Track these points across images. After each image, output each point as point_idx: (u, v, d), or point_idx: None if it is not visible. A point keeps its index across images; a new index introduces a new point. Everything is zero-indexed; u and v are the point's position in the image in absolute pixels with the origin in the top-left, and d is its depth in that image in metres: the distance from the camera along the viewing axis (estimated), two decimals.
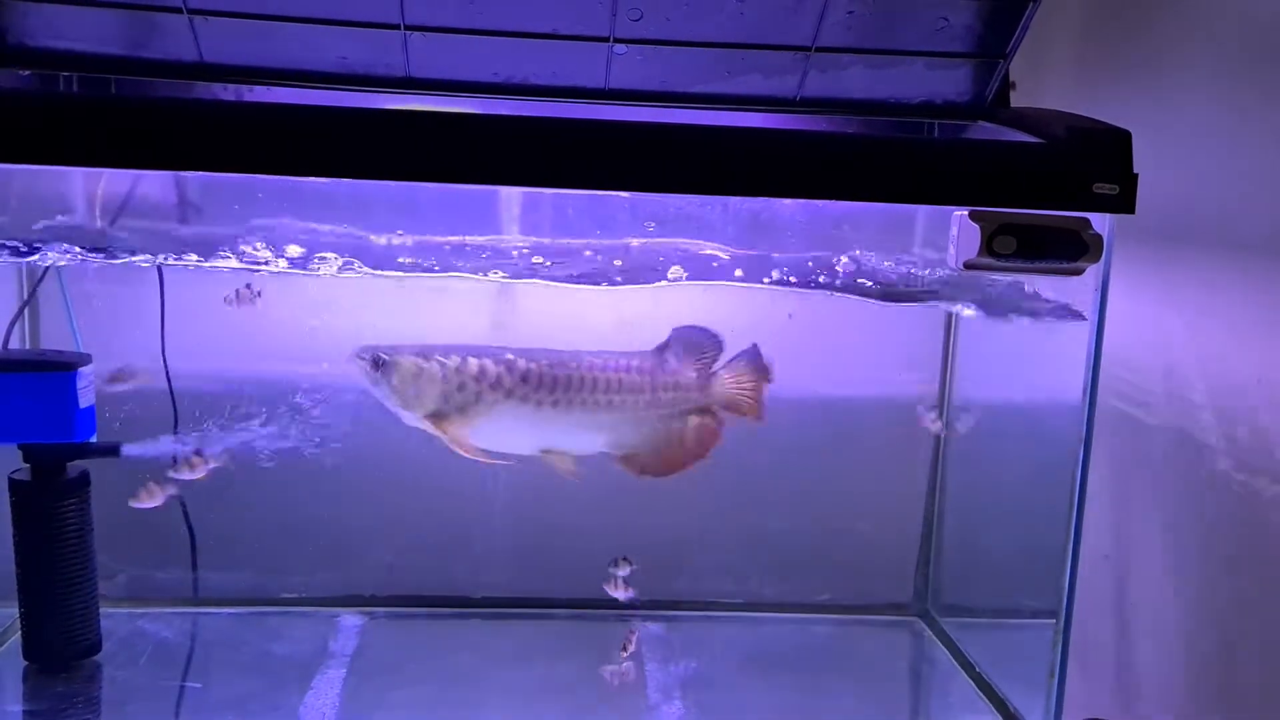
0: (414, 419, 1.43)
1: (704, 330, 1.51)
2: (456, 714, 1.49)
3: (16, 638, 1.52)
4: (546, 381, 1.42)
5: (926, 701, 1.69)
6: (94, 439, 1.46)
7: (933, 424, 1.74)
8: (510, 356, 1.42)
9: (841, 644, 1.79)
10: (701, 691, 1.55)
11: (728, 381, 1.51)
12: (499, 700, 1.55)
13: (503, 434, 1.44)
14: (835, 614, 1.82)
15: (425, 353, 1.42)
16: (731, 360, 1.52)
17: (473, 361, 1.41)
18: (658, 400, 1.47)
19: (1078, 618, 1.39)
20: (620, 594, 1.55)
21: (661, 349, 1.49)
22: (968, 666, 1.67)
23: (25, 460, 1.46)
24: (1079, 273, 1.25)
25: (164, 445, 1.56)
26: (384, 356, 1.41)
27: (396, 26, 1.31)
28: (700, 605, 1.81)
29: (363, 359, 1.43)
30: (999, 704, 1.55)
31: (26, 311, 1.59)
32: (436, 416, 1.41)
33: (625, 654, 1.51)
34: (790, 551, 1.82)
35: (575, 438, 1.46)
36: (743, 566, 1.81)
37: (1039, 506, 1.47)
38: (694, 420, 1.50)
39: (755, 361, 1.52)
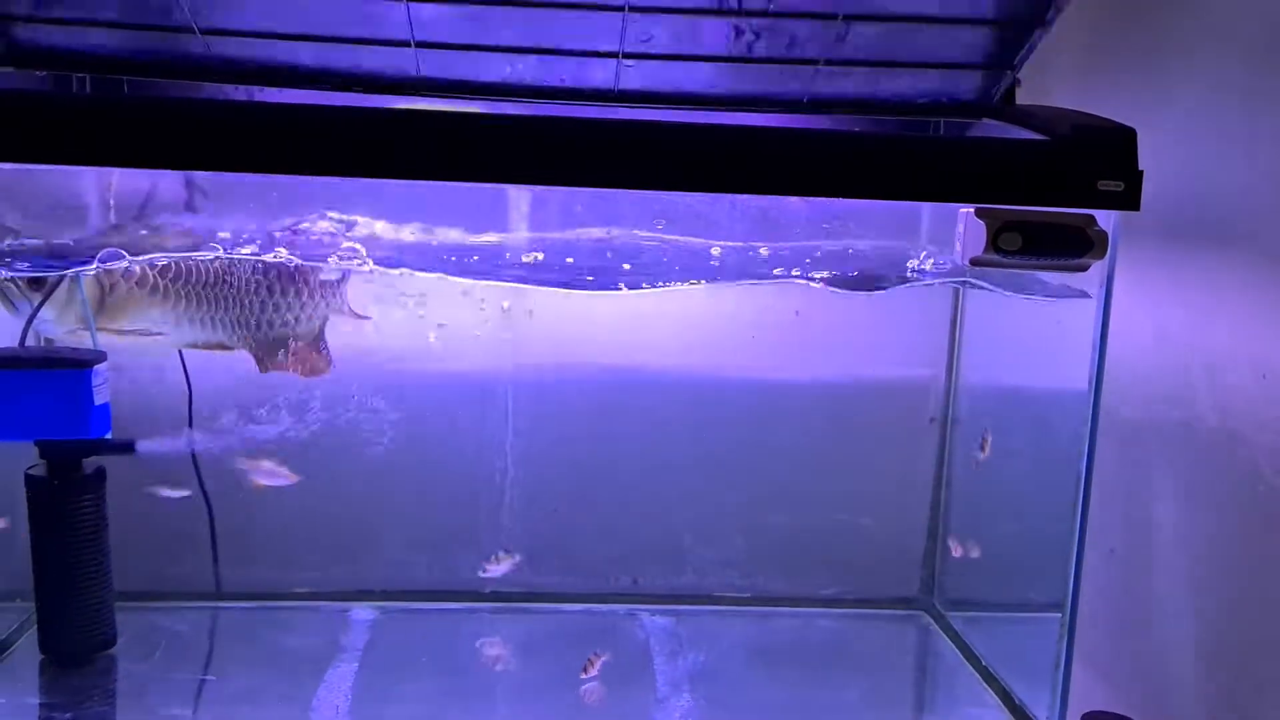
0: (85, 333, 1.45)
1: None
2: (467, 706, 1.51)
3: (33, 631, 1.54)
4: (181, 272, 1.45)
5: (932, 694, 1.71)
6: (109, 435, 1.48)
7: (956, 548, 1.74)
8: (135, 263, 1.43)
9: (847, 638, 1.80)
10: (709, 685, 1.56)
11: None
12: (508, 693, 1.57)
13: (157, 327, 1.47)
14: (841, 608, 1.84)
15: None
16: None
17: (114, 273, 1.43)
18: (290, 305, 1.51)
19: (1083, 611, 1.40)
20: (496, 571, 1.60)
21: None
22: (973, 660, 1.68)
23: (41, 456, 1.48)
24: (1084, 269, 1.26)
25: (178, 442, 1.58)
26: (36, 276, 1.41)
27: (407, 44, 1.32)
28: (707, 600, 1.83)
29: (14, 284, 1.41)
30: (1004, 697, 1.56)
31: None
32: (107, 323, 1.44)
33: (585, 675, 1.51)
34: (796, 546, 1.83)
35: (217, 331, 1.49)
36: (749, 561, 1.83)
37: (1044, 500, 1.48)
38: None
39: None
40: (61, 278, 1.42)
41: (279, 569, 1.75)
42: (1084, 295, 1.33)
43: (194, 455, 1.63)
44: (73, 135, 1.14)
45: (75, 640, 1.52)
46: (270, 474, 1.54)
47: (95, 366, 1.44)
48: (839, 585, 1.84)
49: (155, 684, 1.51)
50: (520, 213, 1.49)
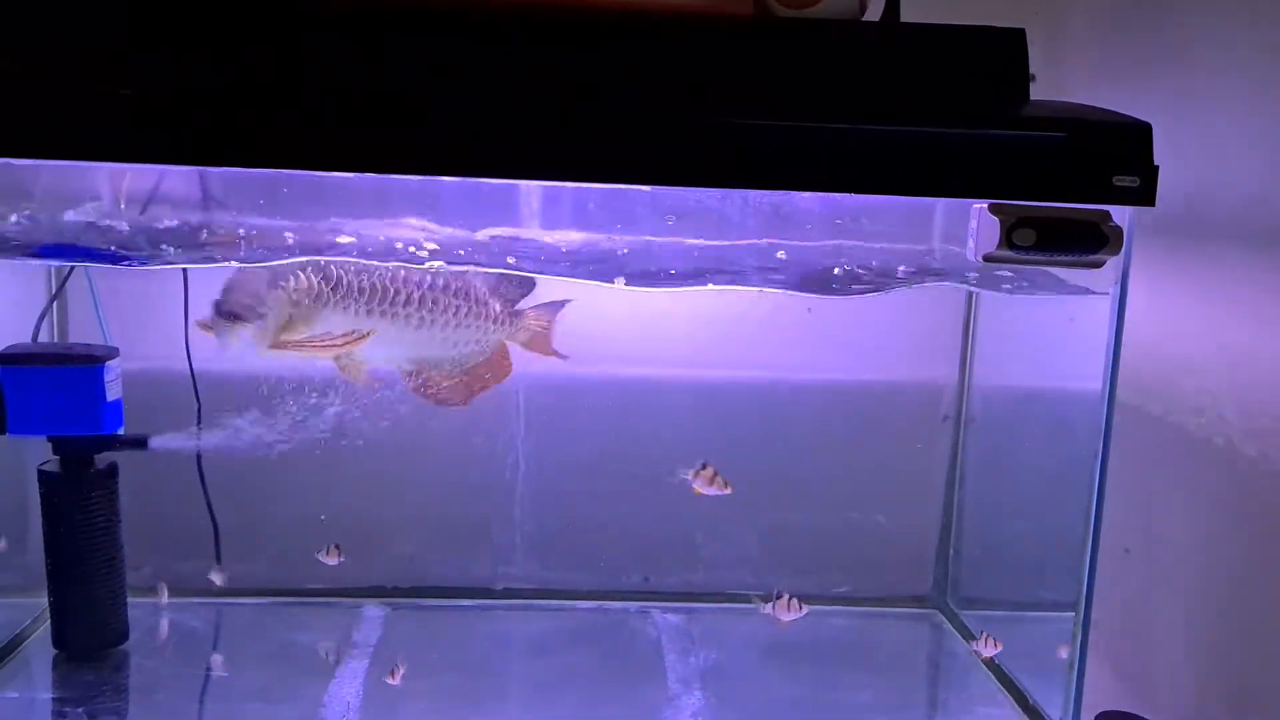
0: (265, 349, 1.41)
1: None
2: (478, 703, 1.51)
3: (46, 626, 1.55)
4: (355, 290, 1.41)
5: (945, 693, 1.70)
6: (121, 431, 1.48)
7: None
8: (323, 261, 1.40)
9: (860, 636, 1.79)
10: (721, 682, 1.56)
11: (531, 322, 1.56)
12: (520, 690, 1.57)
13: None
14: (853, 606, 1.83)
15: (264, 285, 1.39)
16: (538, 306, 1.56)
17: (303, 277, 1.40)
18: (464, 324, 1.48)
19: (1097, 611, 1.39)
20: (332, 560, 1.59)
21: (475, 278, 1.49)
22: (987, 659, 1.67)
23: (54, 452, 1.48)
24: (1099, 265, 1.25)
25: (189, 438, 1.58)
26: (235, 311, 1.38)
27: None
28: (719, 597, 1.82)
29: (222, 318, 1.39)
30: (1018, 696, 1.55)
31: (54, 305, 1.61)
32: (285, 337, 1.40)
33: (391, 681, 1.48)
34: (809, 544, 1.82)
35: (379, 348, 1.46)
36: (761, 559, 1.82)
37: (1059, 499, 1.47)
38: (489, 353, 1.53)
39: (556, 310, 1.58)
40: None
41: (290, 565, 1.75)
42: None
43: (198, 455, 1.63)
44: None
45: (88, 635, 1.52)
46: (707, 485, 1.53)
47: (107, 362, 1.45)
48: (852, 583, 1.83)
49: (167, 679, 1.52)
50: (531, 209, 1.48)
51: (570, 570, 1.80)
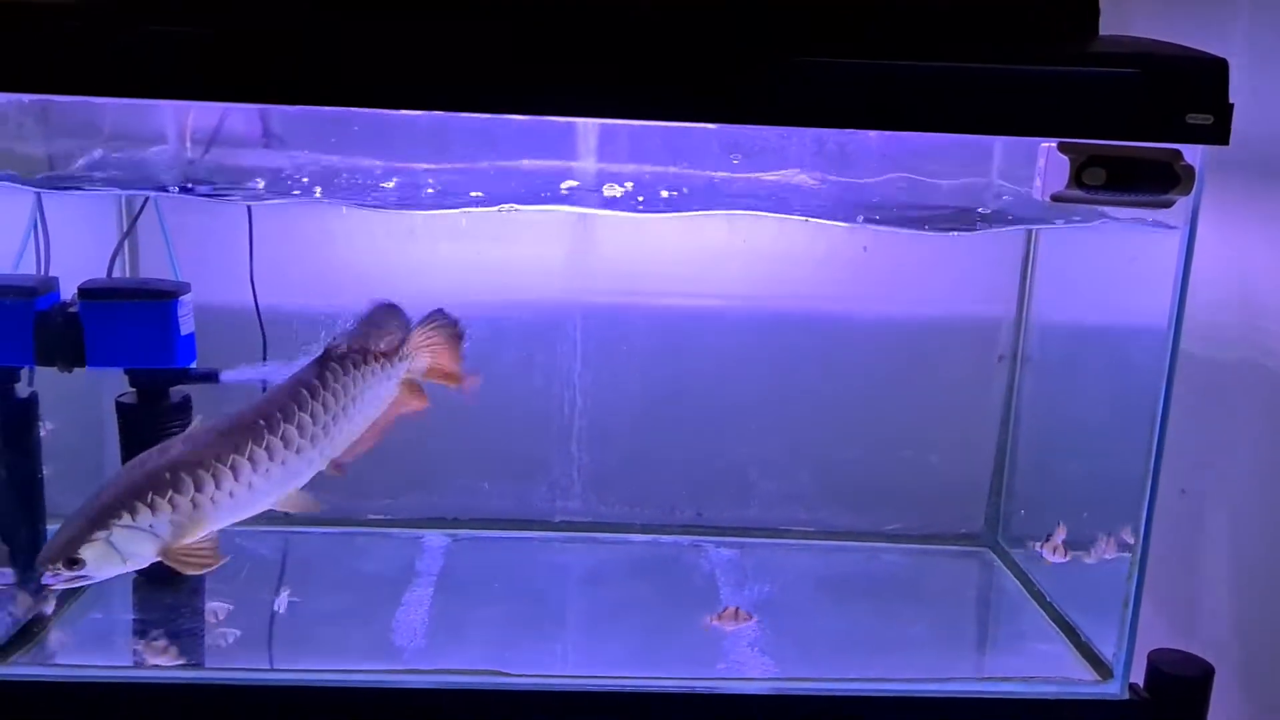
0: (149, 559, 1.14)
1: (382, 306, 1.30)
2: (538, 629, 1.55)
3: None
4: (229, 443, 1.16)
5: (996, 629, 1.72)
6: (194, 365, 1.52)
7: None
8: (180, 449, 1.14)
9: (911, 573, 1.82)
10: (774, 615, 1.58)
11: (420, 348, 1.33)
12: (579, 619, 1.61)
13: (234, 510, 1.18)
14: (905, 543, 1.85)
15: (103, 511, 1.10)
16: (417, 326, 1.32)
17: (146, 488, 1.11)
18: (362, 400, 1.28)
19: (1151, 550, 1.40)
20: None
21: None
22: (1038, 596, 1.69)
23: (131, 384, 1.53)
24: (1169, 205, 1.24)
25: (258, 372, 1.62)
26: (75, 555, 1.08)
27: None
28: (771, 533, 1.85)
29: (54, 570, 1.08)
30: (1070, 633, 1.57)
31: (126, 243, 1.65)
32: (173, 543, 1.13)
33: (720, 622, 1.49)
34: (861, 481, 1.84)
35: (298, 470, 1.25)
36: (814, 495, 1.84)
37: (1113, 438, 1.47)
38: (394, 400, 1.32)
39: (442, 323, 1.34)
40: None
41: (355, 496, 1.80)
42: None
43: (263, 387, 1.66)
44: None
45: None
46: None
47: (180, 297, 1.48)
48: (904, 521, 1.85)
49: (241, 603, 1.57)
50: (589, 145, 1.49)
51: (625, 504, 1.83)
